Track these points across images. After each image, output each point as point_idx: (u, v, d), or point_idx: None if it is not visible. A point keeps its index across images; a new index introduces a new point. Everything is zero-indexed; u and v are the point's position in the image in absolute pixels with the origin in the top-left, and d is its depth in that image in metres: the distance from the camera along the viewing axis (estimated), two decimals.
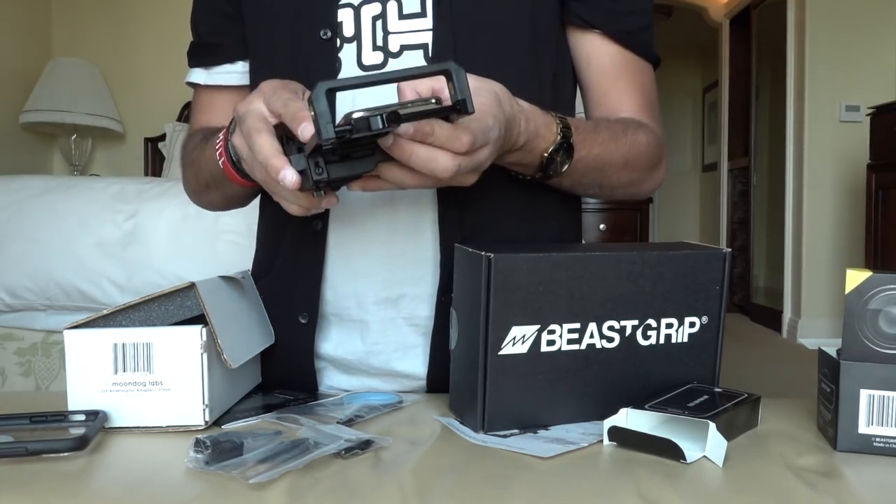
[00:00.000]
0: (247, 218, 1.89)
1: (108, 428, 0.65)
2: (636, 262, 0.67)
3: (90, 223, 2.05)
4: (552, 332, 0.65)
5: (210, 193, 0.87)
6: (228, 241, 2.01)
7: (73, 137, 3.79)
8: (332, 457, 0.58)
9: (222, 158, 0.74)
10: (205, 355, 0.65)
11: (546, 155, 0.74)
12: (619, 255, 0.67)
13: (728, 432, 0.60)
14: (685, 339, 0.70)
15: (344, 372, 0.85)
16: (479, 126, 0.61)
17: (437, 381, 0.80)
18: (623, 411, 0.62)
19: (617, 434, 0.61)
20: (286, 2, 0.82)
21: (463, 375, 0.68)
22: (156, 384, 0.65)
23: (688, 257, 0.69)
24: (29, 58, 3.79)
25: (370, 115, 0.53)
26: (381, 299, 0.81)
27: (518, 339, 0.64)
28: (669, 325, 0.69)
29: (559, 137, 0.73)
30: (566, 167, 0.75)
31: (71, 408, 0.65)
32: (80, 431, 0.59)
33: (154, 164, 4.01)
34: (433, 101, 0.57)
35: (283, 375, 0.83)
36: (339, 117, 0.56)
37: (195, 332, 0.65)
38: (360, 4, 0.80)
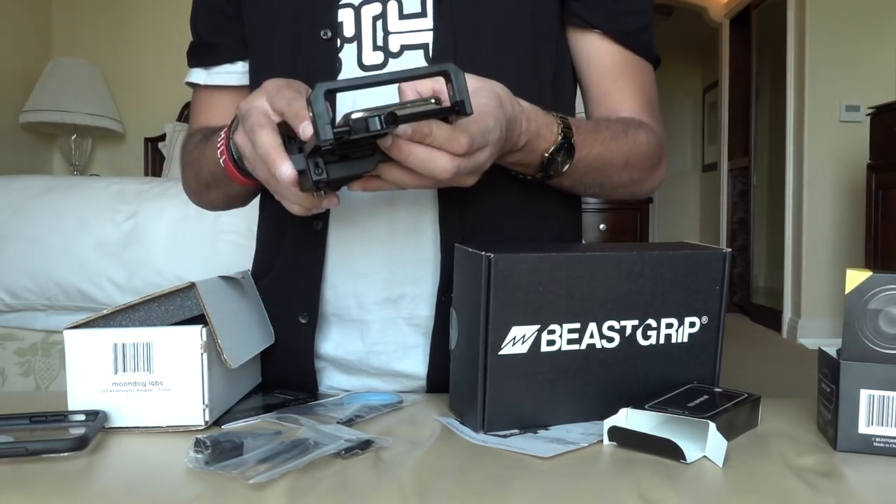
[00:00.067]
0: (247, 218, 1.89)
1: (108, 428, 0.65)
2: (636, 262, 0.67)
3: (90, 223, 2.05)
4: (552, 332, 0.65)
5: (210, 193, 0.87)
6: (228, 241, 2.01)
7: (73, 137, 3.79)
8: (332, 457, 0.57)
9: (224, 157, 0.74)
10: (205, 355, 0.65)
11: (547, 155, 0.74)
12: (619, 255, 0.67)
13: (728, 432, 0.60)
14: (685, 339, 0.70)
15: (344, 372, 0.85)
16: (478, 127, 0.61)
17: (437, 381, 0.80)
18: (623, 411, 0.62)
19: (617, 434, 0.61)
20: (286, 2, 0.82)
21: (463, 375, 0.68)
22: (156, 384, 0.65)
23: (688, 257, 0.69)
24: (29, 58, 3.79)
25: (368, 115, 0.53)
26: (382, 299, 0.81)
27: (518, 339, 0.64)
28: (669, 325, 0.69)
29: (560, 137, 0.73)
30: (567, 167, 0.75)
31: (71, 408, 0.65)
32: (80, 431, 0.59)
33: (154, 164, 4.02)
34: (432, 101, 0.57)
35: (283, 375, 0.83)
36: (339, 117, 0.56)
37: (195, 332, 0.65)
38: (361, 4, 0.80)
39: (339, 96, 0.77)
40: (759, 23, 5.50)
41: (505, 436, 0.64)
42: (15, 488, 0.52)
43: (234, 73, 0.90)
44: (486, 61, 0.74)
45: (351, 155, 0.60)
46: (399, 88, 0.63)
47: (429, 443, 0.62)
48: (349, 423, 0.67)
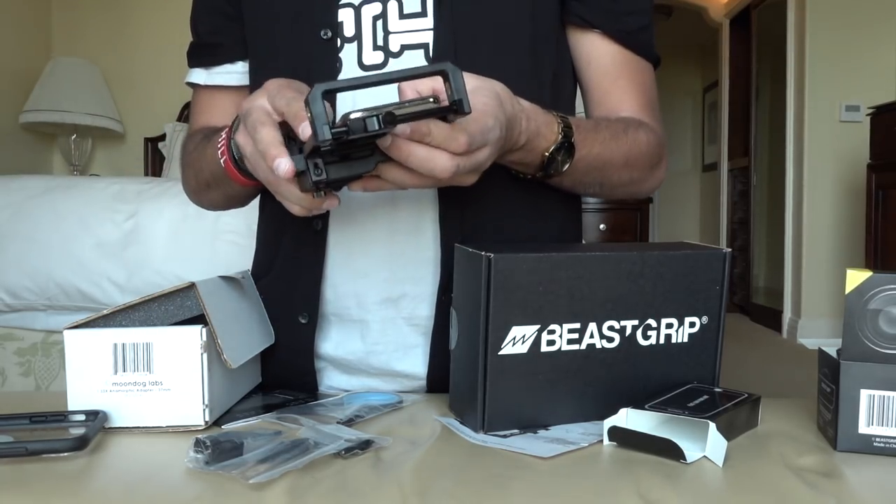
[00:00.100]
0: (247, 218, 1.89)
1: (108, 428, 0.65)
2: (636, 262, 0.67)
3: (90, 223, 2.05)
4: (552, 332, 0.65)
5: (210, 193, 0.87)
6: (228, 241, 2.01)
7: (73, 137, 3.79)
8: (332, 457, 0.57)
9: (224, 157, 0.74)
10: (205, 355, 0.65)
11: (547, 154, 0.74)
12: (619, 255, 0.67)
13: (728, 432, 0.60)
14: (685, 339, 0.70)
15: (344, 372, 0.85)
16: (477, 127, 0.61)
17: (437, 381, 0.80)
18: (623, 411, 0.62)
19: (617, 434, 0.61)
20: (286, 2, 0.82)
21: (463, 375, 0.68)
22: (156, 384, 0.65)
23: (688, 257, 0.69)
24: (29, 58, 3.79)
25: (367, 115, 0.53)
26: (382, 299, 0.81)
27: (518, 339, 0.64)
28: (669, 325, 0.69)
29: (560, 137, 0.73)
30: (567, 166, 0.75)
31: (71, 408, 0.65)
32: (80, 431, 0.59)
33: (154, 164, 4.01)
34: (431, 100, 0.57)
35: (283, 375, 0.83)
36: (339, 117, 0.56)
37: (195, 332, 0.65)
38: (361, 4, 0.80)
39: (339, 96, 0.77)
40: (759, 23, 5.50)
41: (505, 436, 0.64)
42: (15, 488, 0.52)
43: (235, 73, 0.90)
44: (486, 61, 0.74)
45: (350, 155, 0.60)
46: (399, 88, 0.63)
47: (429, 443, 0.62)
48: (349, 423, 0.67)
